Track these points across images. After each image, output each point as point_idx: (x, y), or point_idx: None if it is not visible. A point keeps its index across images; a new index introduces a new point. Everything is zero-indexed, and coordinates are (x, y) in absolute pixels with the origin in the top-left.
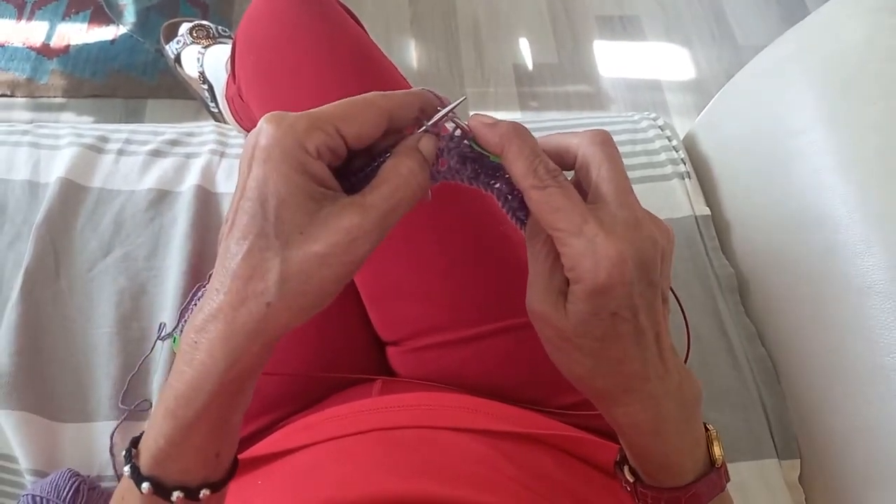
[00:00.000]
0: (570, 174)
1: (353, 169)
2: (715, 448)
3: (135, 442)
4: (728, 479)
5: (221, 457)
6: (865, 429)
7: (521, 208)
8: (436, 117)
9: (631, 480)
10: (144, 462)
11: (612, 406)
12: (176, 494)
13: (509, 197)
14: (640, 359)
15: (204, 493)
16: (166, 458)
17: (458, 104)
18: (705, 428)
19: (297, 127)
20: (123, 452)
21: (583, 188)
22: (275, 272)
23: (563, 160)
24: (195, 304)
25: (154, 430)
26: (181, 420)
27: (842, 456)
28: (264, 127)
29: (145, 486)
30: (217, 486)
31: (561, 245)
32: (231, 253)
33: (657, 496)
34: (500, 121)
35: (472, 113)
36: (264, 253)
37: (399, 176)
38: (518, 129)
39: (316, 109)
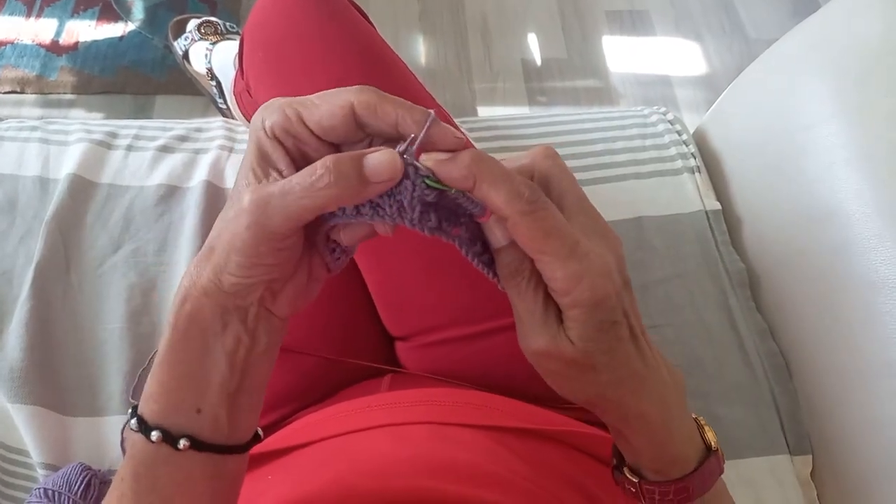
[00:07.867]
0: None
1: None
2: (708, 433)
3: None
4: (724, 461)
5: (204, 414)
6: (878, 424)
7: (485, 251)
8: (406, 143)
9: (635, 480)
10: (141, 404)
11: (625, 410)
12: (155, 434)
13: (477, 243)
14: (639, 357)
15: (183, 442)
16: (149, 398)
17: (430, 121)
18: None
19: (269, 106)
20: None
21: None
22: (245, 200)
23: None
24: None
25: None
26: (160, 357)
27: (854, 451)
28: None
29: (133, 422)
30: (200, 446)
31: (554, 270)
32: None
33: (665, 489)
34: (457, 152)
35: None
36: (242, 191)
37: (321, 160)
38: (482, 155)
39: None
